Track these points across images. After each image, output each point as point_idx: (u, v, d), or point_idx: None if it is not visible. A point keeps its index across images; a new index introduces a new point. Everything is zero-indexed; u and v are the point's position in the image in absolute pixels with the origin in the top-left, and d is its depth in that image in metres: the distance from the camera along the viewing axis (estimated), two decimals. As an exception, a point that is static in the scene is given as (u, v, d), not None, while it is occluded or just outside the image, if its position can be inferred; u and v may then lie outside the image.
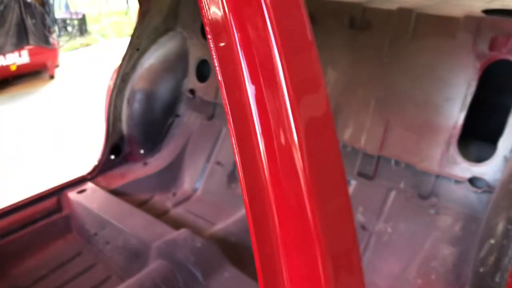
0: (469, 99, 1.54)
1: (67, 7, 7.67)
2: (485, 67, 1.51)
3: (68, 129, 4.70)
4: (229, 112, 0.60)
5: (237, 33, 0.50)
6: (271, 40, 0.53)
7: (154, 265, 1.66)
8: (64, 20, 7.97)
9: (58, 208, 2.17)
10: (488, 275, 1.31)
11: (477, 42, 1.51)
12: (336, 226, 0.66)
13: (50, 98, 5.74)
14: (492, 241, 1.31)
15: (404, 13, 1.69)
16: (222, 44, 0.52)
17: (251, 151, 0.65)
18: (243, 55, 0.51)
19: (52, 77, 6.38)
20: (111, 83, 2.41)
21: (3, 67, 5.77)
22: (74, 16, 7.85)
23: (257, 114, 0.57)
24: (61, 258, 2.03)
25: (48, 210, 2.15)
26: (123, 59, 2.36)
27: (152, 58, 2.40)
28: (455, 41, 1.56)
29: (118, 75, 2.37)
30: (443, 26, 1.59)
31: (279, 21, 0.54)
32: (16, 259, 2.00)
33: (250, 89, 0.53)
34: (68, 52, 7.64)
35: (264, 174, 0.64)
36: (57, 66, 6.62)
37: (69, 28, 8.11)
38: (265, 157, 0.64)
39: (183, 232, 1.75)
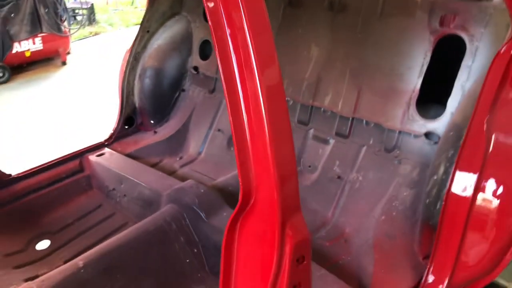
0: (425, 67, 1.86)
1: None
2: (437, 40, 1.82)
3: (82, 111, 5.05)
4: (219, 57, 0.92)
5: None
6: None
7: (165, 208, 2.00)
8: (73, 10, 8.28)
9: (81, 168, 2.51)
10: (432, 204, 1.64)
11: (431, 20, 1.82)
12: (284, 153, 0.95)
13: (62, 84, 6.07)
14: (435, 177, 1.63)
15: (374, -4, 2.00)
16: (211, 5, 0.83)
17: (237, 110, 0.95)
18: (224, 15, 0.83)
19: (64, 63, 6.72)
20: (124, 62, 2.74)
21: (18, 53, 6.12)
22: (83, 6, 8.15)
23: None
24: (84, 210, 2.37)
25: (72, 170, 2.49)
26: (135, 39, 2.69)
27: (160, 39, 2.72)
28: (414, 19, 1.87)
29: (130, 54, 2.69)
30: (405, 7, 1.90)
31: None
32: (47, 210, 2.34)
33: (228, 30, 0.85)
34: (78, 41, 7.97)
35: (245, 126, 0.94)
36: (68, 53, 6.95)
37: (78, 17, 8.43)
38: (245, 114, 0.95)
39: (189, 182, 2.08)
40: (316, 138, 2.20)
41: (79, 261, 1.74)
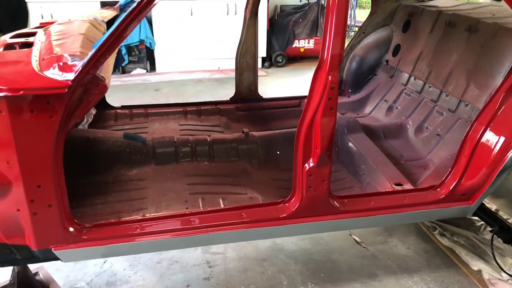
0: (506, 73, 2.81)
1: (353, 17, 9.95)
2: None
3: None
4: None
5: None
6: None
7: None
8: (347, 26, 10.31)
9: (299, 104, 4.22)
10: None
11: None
12: (335, 48, 2.33)
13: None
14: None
15: (494, 25, 3.02)
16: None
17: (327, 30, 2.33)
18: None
19: (325, 62, 8.75)
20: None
21: (296, 48, 8.43)
22: (356, 24, 10.09)
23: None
24: (292, 125, 4.05)
25: (294, 104, 4.23)
26: (354, 36, 4.23)
27: (370, 39, 4.19)
28: (509, 40, 2.86)
29: (348, 45, 4.25)
30: (507, 32, 2.89)
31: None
32: (272, 119, 4.10)
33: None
34: (343, 49, 9.96)
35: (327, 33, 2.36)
36: (330, 55, 8.96)
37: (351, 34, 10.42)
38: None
39: (350, 117, 3.52)
40: (437, 112, 3.33)
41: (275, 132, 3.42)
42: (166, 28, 7.62)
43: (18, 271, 2.52)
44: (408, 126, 3.49)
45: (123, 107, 3.99)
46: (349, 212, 2.51)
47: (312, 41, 8.44)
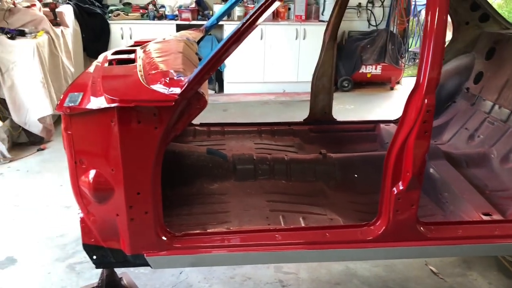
0: None
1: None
2: None
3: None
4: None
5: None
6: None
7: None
8: (415, 53, 10.15)
9: (373, 129, 4.19)
10: None
11: None
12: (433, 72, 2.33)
13: (392, 102, 7.93)
14: None
15: None
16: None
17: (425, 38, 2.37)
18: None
19: (392, 88, 8.65)
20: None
21: (363, 74, 8.40)
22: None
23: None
24: (366, 150, 4.00)
25: (369, 128, 4.19)
26: (433, 63, 4.17)
27: (450, 65, 4.10)
28: None
29: (427, 71, 4.19)
30: None
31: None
32: (350, 143, 4.08)
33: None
34: (410, 77, 9.79)
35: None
36: (398, 82, 8.85)
37: (417, 60, 10.25)
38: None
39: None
40: None
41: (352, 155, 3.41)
42: (236, 51, 7.82)
43: (107, 274, 2.63)
44: (493, 155, 3.37)
45: (201, 125, 4.13)
46: (435, 240, 2.45)
47: (379, 67, 8.38)
